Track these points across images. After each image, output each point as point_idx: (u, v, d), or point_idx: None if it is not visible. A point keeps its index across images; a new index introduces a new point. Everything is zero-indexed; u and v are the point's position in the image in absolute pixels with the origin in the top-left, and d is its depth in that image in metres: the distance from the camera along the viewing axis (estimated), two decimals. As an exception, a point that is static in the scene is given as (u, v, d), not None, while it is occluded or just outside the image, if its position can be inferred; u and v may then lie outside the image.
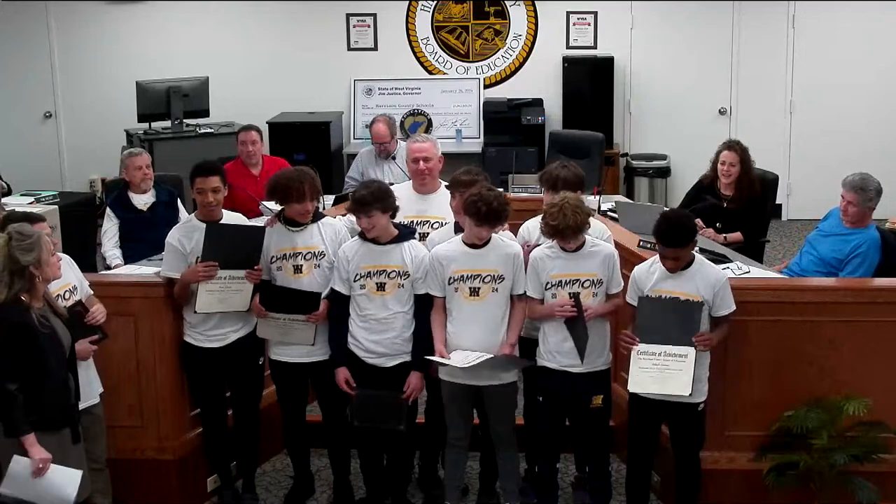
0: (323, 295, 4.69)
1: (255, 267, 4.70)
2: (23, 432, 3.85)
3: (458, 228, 4.75)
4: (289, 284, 4.72)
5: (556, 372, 4.52)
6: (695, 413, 4.44)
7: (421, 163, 5.18)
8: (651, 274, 4.44)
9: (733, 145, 6.34)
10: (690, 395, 4.34)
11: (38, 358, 3.87)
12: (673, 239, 4.33)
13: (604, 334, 4.55)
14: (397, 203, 4.64)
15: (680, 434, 4.52)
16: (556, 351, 4.52)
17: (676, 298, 4.35)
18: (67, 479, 3.94)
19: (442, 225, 5.01)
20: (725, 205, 6.28)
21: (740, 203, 6.24)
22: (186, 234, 4.77)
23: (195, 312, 4.71)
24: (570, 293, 4.44)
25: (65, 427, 4.01)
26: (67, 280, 4.36)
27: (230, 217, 4.88)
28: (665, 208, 5.84)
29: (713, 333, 4.40)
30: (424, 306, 4.61)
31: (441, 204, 5.01)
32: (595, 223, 4.70)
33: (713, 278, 4.41)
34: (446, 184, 4.95)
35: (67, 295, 4.34)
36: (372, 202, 4.50)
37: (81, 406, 4.24)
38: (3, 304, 3.83)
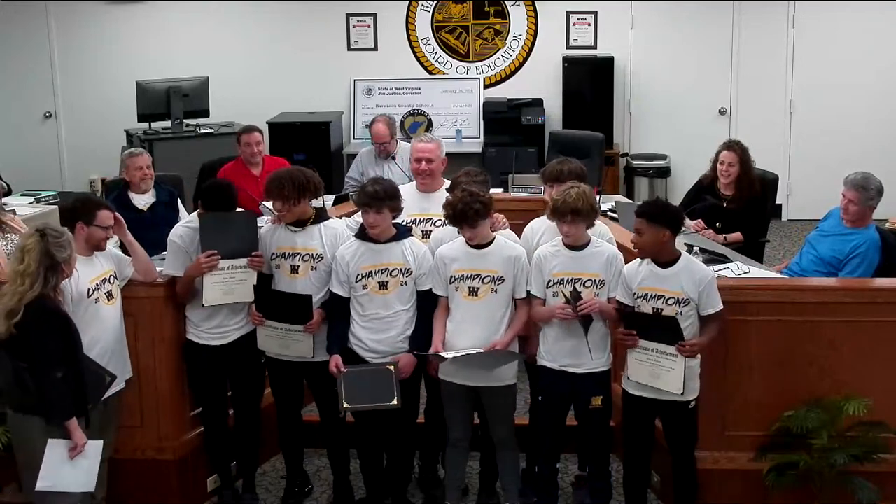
0: (320, 296, 4.70)
1: (255, 254, 4.72)
2: (68, 417, 4.02)
3: None
4: (285, 284, 4.74)
5: (556, 372, 4.52)
6: (686, 411, 4.45)
7: (423, 163, 5.23)
8: (639, 273, 4.45)
9: (733, 145, 6.33)
10: (682, 393, 4.35)
11: (74, 347, 4.05)
12: (642, 208, 4.40)
13: (604, 335, 4.54)
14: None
15: (673, 432, 4.52)
16: (555, 350, 4.52)
17: (657, 315, 4.37)
18: (94, 451, 4.14)
19: (445, 223, 5.02)
20: (725, 205, 6.27)
21: (740, 203, 6.24)
22: (189, 232, 4.78)
23: (203, 306, 4.73)
24: (564, 292, 4.44)
25: (82, 414, 4.13)
26: (109, 267, 4.54)
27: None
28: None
29: (700, 338, 4.38)
30: (427, 302, 4.62)
31: (443, 202, 5.01)
32: (598, 224, 4.70)
33: (698, 276, 4.40)
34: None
35: (112, 279, 4.53)
36: (385, 198, 4.55)
37: (112, 391, 4.44)
38: (41, 296, 3.99)
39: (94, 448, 4.16)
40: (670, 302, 4.37)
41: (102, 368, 4.34)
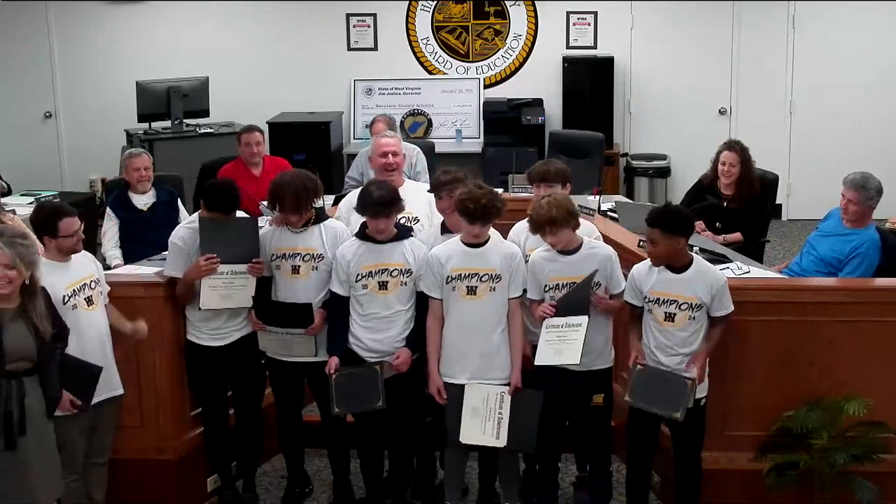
0: (320, 297, 4.70)
1: (256, 260, 4.71)
2: None
3: (444, 229, 4.78)
4: (286, 284, 4.74)
5: (555, 370, 4.51)
6: (696, 409, 4.42)
7: (390, 157, 5.25)
8: (650, 275, 4.44)
9: (733, 145, 6.33)
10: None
11: None
12: (655, 217, 4.35)
13: (605, 334, 4.55)
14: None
15: (681, 431, 4.49)
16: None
17: (668, 372, 4.35)
18: None
19: (409, 220, 5.04)
20: (726, 204, 6.28)
21: (741, 203, 6.24)
22: (190, 233, 4.77)
23: (199, 309, 4.72)
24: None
25: None
26: (91, 272, 4.44)
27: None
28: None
29: (707, 345, 4.38)
30: (426, 301, 4.61)
31: (406, 199, 4.99)
32: (584, 223, 4.70)
33: (711, 280, 4.39)
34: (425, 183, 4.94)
35: (93, 285, 4.42)
36: (392, 202, 4.54)
37: (103, 397, 4.34)
38: None
39: None
40: (683, 307, 4.36)
41: (87, 363, 4.22)
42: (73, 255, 4.39)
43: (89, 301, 4.38)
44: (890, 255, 5.35)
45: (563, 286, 4.47)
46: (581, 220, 4.61)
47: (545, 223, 4.40)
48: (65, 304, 4.27)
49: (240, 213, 4.98)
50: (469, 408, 4.50)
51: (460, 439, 4.54)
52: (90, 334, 4.36)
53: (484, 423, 4.50)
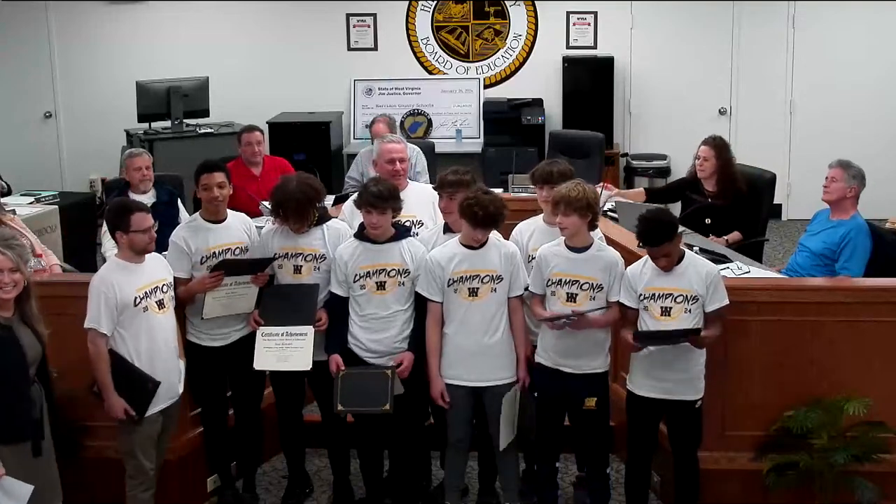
0: (322, 297, 4.70)
1: (261, 273, 4.73)
2: None
3: (446, 229, 4.77)
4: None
5: (550, 370, 4.52)
6: (692, 410, 4.45)
7: (397, 163, 5.23)
8: (644, 274, 4.44)
9: (709, 140, 6.33)
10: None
11: (12, 366, 3.82)
12: (655, 237, 4.34)
13: (602, 338, 4.54)
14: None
15: (678, 432, 4.52)
16: (551, 349, 4.52)
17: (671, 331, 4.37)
18: (18, 492, 3.80)
19: (413, 223, 5.04)
20: (710, 200, 6.26)
21: (726, 200, 6.22)
22: (191, 233, 4.78)
23: (202, 319, 4.73)
24: (571, 312, 4.43)
25: (23, 441, 3.89)
26: (163, 276, 4.45)
27: (235, 217, 4.91)
28: (662, 207, 5.81)
29: (710, 330, 4.38)
30: (426, 303, 4.61)
31: (410, 202, 5.01)
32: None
33: (705, 272, 4.40)
34: (432, 185, 4.94)
35: (165, 289, 4.43)
36: (388, 198, 4.54)
37: (162, 406, 4.35)
38: None
39: (20, 490, 3.76)
40: (679, 300, 4.37)
41: (145, 375, 4.27)
42: (145, 257, 4.40)
43: (160, 304, 4.39)
44: (889, 252, 5.35)
45: (564, 283, 4.46)
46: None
47: (562, 199, 4.41)
48: (136, 305, 4.29)
49: (244, 217, 4.97)
50: (505, 419, 4.53)
51: (501, 447, 4.57)
52: (159, 338, 4.38)
53: (514, 423, 4.56)
